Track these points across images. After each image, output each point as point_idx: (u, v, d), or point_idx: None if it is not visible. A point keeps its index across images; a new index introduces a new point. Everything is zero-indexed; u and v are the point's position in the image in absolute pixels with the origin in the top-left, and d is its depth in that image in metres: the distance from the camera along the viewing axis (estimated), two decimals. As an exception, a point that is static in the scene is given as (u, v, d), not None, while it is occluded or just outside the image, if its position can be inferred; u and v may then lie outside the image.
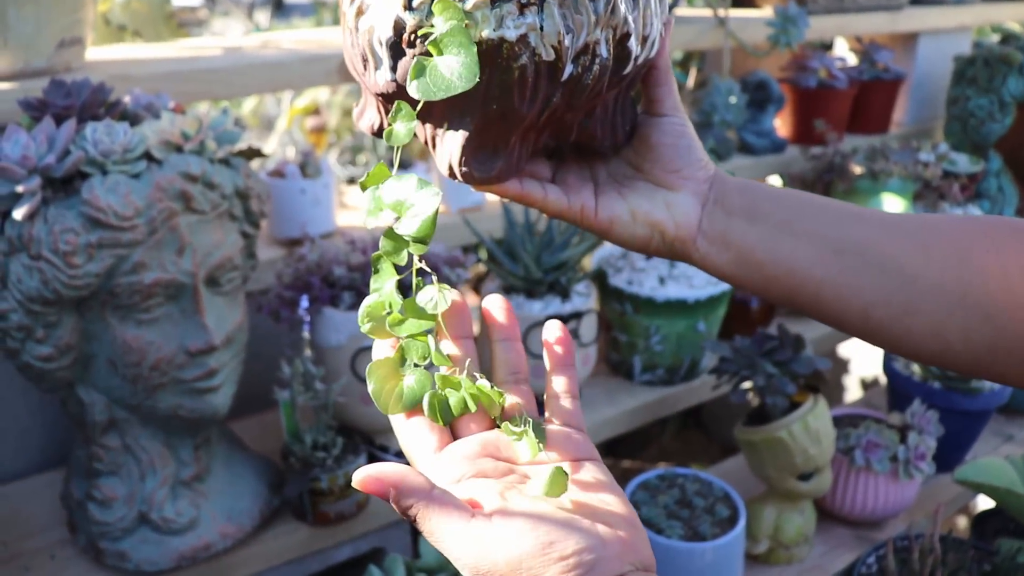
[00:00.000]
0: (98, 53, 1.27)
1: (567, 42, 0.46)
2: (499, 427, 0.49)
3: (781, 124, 1.88)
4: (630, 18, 0.48)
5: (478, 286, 2.04)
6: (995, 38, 2.66)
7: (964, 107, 1.85)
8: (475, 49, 0.44)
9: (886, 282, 0.53)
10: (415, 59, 0.45)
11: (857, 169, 1.61)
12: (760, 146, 1.72)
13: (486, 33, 0.44)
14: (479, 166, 0.50)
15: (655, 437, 2.21)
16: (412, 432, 0.48)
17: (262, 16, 4.45)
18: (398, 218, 0.47)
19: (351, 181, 2.19)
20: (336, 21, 3.40)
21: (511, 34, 0.45)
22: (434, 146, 0.52)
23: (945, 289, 0.52)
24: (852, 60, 2.06)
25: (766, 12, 1.76)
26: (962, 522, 1.97)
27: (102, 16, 1.51)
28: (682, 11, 1.75)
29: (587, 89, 0.49)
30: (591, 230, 0.59)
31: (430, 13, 0.45)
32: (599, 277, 1.36)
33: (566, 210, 0.58)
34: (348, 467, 1.06)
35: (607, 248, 1.44)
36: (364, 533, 1.13)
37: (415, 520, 0.43)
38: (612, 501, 0.45)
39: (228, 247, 0.95)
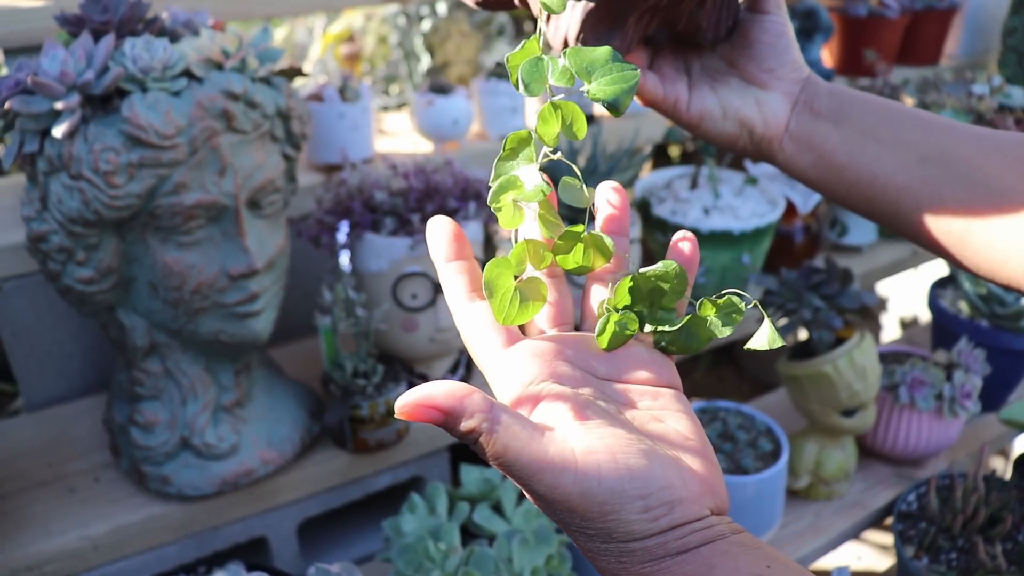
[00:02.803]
0: (132, -29, 1.23)
1: None
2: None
3: (827, 54, 1.82)
4: None
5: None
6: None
7: (1021, 38, 1.78)
8: None
9: (971, 194, 0.51)
10: None
11: (908, 101, 1.55)
12: (807, 76, 1.66)
13: None
14: (595, 40, 0.49)
15: (688, 372, 2.20)
16: (477, 322, 0.43)
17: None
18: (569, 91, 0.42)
19: (384, 110, 2.16)
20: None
21: None
22: (548, 19, 0.51)
23: None
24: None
25: (817, -65, 1.69)
26: (999, 464, 1.95)
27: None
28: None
29: None
30: (681, 123, 0.58)
31: None
32: (643, 207, 1.33)
33: (660, 100, 0.57)
34: (389, 395, 1.05)
35: (651, 178, 1.41)
36: (404, 461, 1.13)
37: (476, 443, 0.38)
38: (693, 437, 0.41)
39: (270, 169, 0.93)
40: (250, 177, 0.90)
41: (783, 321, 1.19)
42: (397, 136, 1.45)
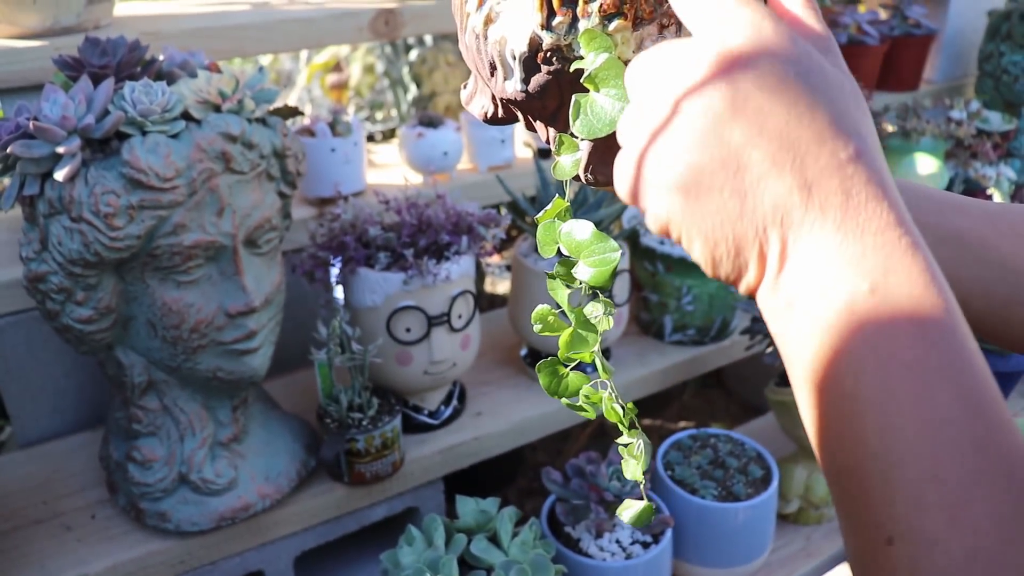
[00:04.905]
0: (125, 8, 1.25)
1: None
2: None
3: (810, 81, 1.86)
4: None
5: (503, 247, 2.03)
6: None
7: (997, 63, 1.82)
8: None
9: (986, 273, 0.52)
10: (573, 99, 0.44)
11: (889, 127, 1.59)
12: (790, 103, 1.69)
13: (626, 55, 0.44)
14: (603, 171, 0.50)
15: (676, 395, 2.21)
16: None
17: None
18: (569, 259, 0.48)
19: (370, 138, 2.17)
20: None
21: None
22: (555, 145, 0.52)
23: None
24: (882, 14, 2.02)
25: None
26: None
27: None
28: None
29: None
30: None
31: (568, 32, 0.44)
32: (631, 237, 1.35)
33: None
34: (384, 428, 1.06)
35: (638, 208, 1.42)
36: (399, 493, 1.14)
37: None
38: None
39: (266, 208, 0.94)
40: (247, 217, 0.92)
41: (770, 349, 1.21)
42: (387, 168, 1.47)
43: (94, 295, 0.88)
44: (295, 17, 1.17)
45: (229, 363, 0.95)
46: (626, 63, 0.43)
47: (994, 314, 0.53)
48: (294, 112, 0.98)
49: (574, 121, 0.44)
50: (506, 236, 1.22)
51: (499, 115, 0.53)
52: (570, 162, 0.47)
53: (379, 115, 2.29)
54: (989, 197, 1.65)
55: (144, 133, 0.85)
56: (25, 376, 1.17)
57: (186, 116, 0.88)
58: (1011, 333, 0.53)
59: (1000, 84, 1.82)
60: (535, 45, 0.45)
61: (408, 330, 1.08)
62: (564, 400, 0.51)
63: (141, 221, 0.84)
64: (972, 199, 0.56)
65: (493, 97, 0.53)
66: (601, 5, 0.43)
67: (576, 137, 0.47)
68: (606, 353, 1.33)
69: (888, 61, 1.87)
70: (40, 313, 0.92)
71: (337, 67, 2.12)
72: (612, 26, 0.43)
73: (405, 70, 1.75)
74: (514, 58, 0.46)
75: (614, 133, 0.45)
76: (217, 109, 0.90)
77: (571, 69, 0.45)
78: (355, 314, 1.09)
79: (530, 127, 0.54)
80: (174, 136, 0.86)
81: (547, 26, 0.44)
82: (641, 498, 0.53)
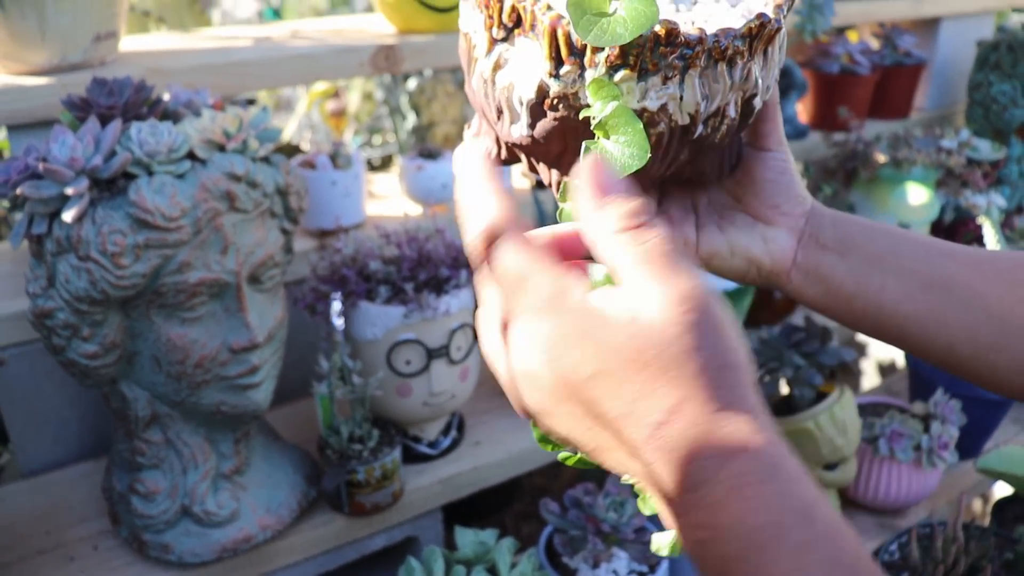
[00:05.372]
0: (130, 44, 1.27)
1: (703, 108, 0.47)
2: None
3: (802, 109, 1.88)
4: (760, 79, 0.49)
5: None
6: (1016, 18, 2.65)
7: (987, 92, 1.85)
8: (641, 125, 0.44)
9: (972, 319, 0.54)
10: (584, 145, 0.45)
11: (880, 158, 1.61)
12: (783, 133, 1.71)
13: (630, 105, 0.45)
14: None
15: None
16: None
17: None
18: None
19: (368, 162, 2.19)
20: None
21: (653, 104, 0.45)
22: (559, 191, 0.53)
23: None
24: (873, 44, 2.05)
25: (790, -3, 1.75)
26: (978, 504, 1.99)
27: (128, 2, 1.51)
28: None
29: (713, 145, 0.50)
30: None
31: (575, 81, 0.45)
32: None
33: None
34: (384, 459, 1.07)
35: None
36: (399, 523, 1.15)
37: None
38: None
39: (269, 245, 0.96)
40: (251, 254, 0.93)
41: (766, 379, 1.23)
42: (387, 199, 1.49)
43: (100, 331, 0.90)
44: (297, 53, 1.19)
45: (232, 397, 0.96)
46: (631, 112, 0.45)
47: (980, 358, 0.55)
48: (296, 150, 1.00)
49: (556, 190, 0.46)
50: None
51: (502, 157, 0.55)
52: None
53: (377, 139, 2.31)
54: (979, 226, 1.68)
55: (151, 173, 0.86)
56: (29, 406, 1.19)
57: (191, 156, 0.90)
58: (997, 377, 0.55)
59: (989, 113, 1.85)
60: (542, 92, 0.46)
61: (408, 362, 1.09)
62: (561, 455, 0.51)
63: (147, 260, 0.86)
64: (961, 245, 0.57)
65: (497, 139, 0.54)
66: (608, 56, 0.44)
67: None
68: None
69: (879, 90, 1.90)
70: (46, 347, 0.93)
71: (336, 94, 2.14)
72: (618, 76, 0.44)
73: (404, 99, 1.77)
74: (521, 104, 0.48)
75: None
76: (222, 148, 0.92)
77: (578, 116, 0.46)
78: (356, 346, 1.10)
79: (533, 170, 0.56)
80: (180, 176, 0.88)
81: (555, 74, 0.45)
82: (638, 530, 0.54)
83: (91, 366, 0.92)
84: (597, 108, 0.45)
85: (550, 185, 0.54)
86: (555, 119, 0.47)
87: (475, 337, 1.15)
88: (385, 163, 2.29)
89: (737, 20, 0.47)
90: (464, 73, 0.52)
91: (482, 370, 1.29)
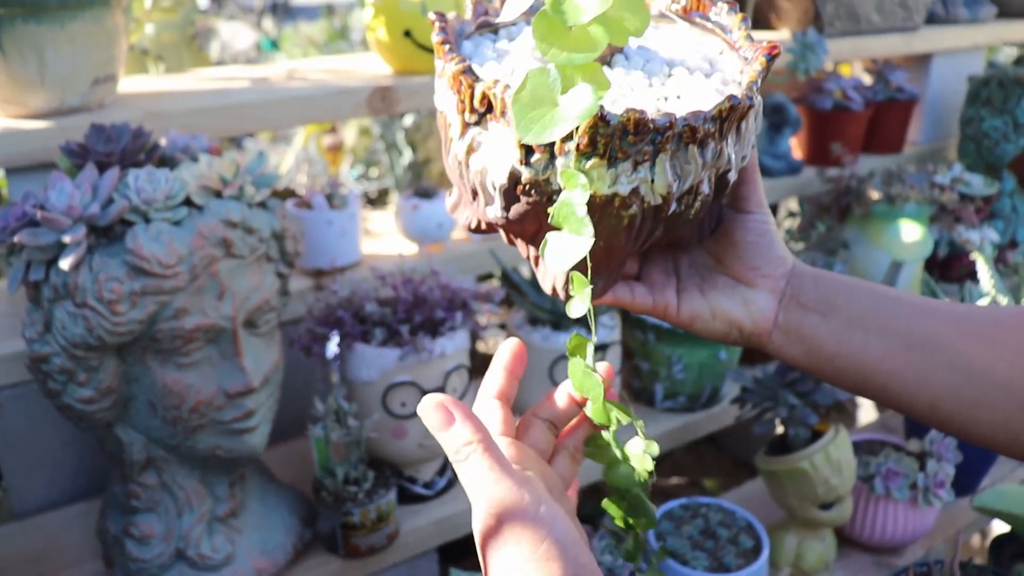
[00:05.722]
0: (129, 85, 1.28)
1: (675, 188, 0.47)
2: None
3: (796, 145, 1.90)
4: (733, 156, 0.49)
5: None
6: (1007, 52, 2.67)
7: (978, 128, 1.86)
8: (585, 221, 0.45)
9: (954, 377, 0.54)
10: (544, 239, 0.46)
11: (874, 194, 1.62)
12: (777, 168, 1.73)
13: (601, 191, 0.45)
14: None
15: (668, 452, 2.22)
16: (487, 408, 0.53)
17: (269, 22, 4.47)
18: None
19: (366, 197, 2.21)
20: (344, 32, 3.41)
21: (624, 189, 0.46)
22: (537, 264, 0.54)
23: (1014, 386, 0.52)
24: (866, 79, 2.07)
25: (783, 34, 1.77)
26: (976, 540, 1.99)
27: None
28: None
29: (688, 220, 0.51)
30: (672, 323, 0.61)
31: (546, 168, 0.46)
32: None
33: (650, 308, 0.60)
34: (379, 501, 1.07)
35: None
36: (394, 564, 1.15)
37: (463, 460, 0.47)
38: None
39: (265, 289, 0.96)
40: (247, 299, 0.94)
41: (764, 417, 1.23)
42: (382, 237, 1.50)
43: (95, 376, 0.90)
44: (294, 96, 1.20)
45: (228, 441, 0.96)
46: (598, 196, 0.46)
47: (963, 415, 0.55)
48: (291, 194, 1.00)
49: (542, 253, 0.46)
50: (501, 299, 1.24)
51: (483, 228, 0.55)
52: (582, 307, 0.48)
53: (374, 171, 2.33)
54: (973, 261, 1.69)
55: (148, 221, 0.87)
56: (23, 447, 1.18)
57: (188, 202, 0.90)
58: (981, 433, 0.55)
59: (981, 147, 1.86)
60: (514, 178, 0.47)
61: (403, 404, 1.09)
62: None
63: (143, 306, 0.87)
64: (942, 302, 0.58)
65: (475, 212, 0.55)
66: (577, 145, 0.44)
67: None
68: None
69: (873, 125, 1.91)
70: (42, 392, 0.93)
71: (333, 129, 2.16)
72: (588, 164, 0.45)
73: (400, 135, 1.79)
74: (494, 188, 0.48)
75: (593, 255, 0.47)
76: (218, 195, 0.92)
77: (551, 201, 0.47)
78: (351, 388, 1.11)
79: (511, 243, 0.56)
80: (176, 223, 0.88)
81: (526, 162, 0.46)
82: (633, 573, 0.54)
83: (87, 411, 0.92)
84: (564, 196, 0.45)
85: (528, 258, 0.55)
86: (528, 203, 0.48)
87: (470, 377, 1.15)
88: (382, 196, 2.30)
89: (710, 95, 0.48)
90: (442, 146, 0.53)
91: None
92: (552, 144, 0.45)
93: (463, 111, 0.48)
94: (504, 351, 0.55)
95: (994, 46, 2.42)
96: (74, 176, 0.91)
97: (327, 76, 1.33)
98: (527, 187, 0.47)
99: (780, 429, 1.33)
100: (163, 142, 0.99)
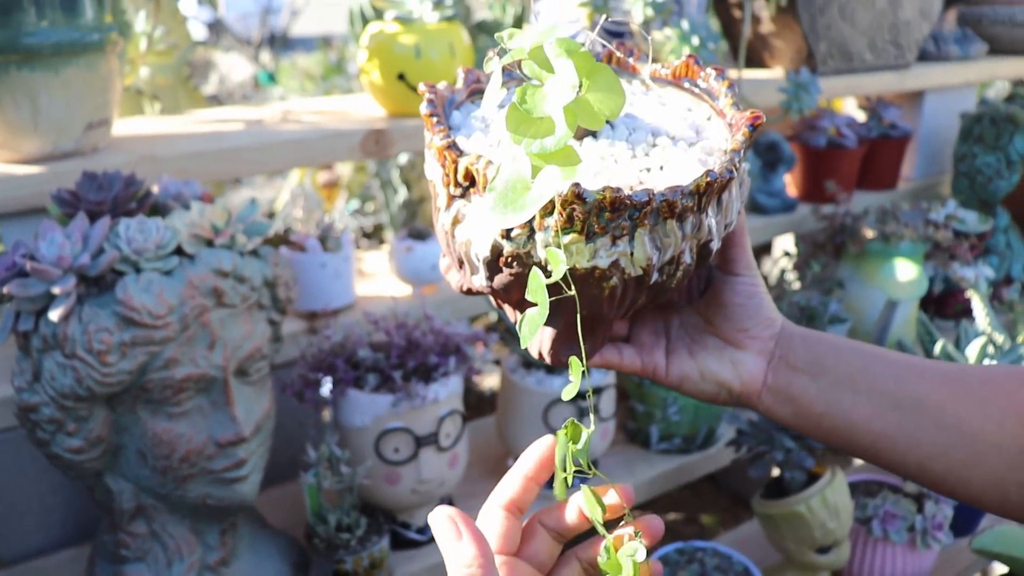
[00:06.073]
0: (123, 128, 1.28)
1: (655, 260, 0.47)
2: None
3: (791, 182, 1.90)
4: (714, 226, 0.50)
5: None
6: (999, 87, 2.69)
7: (971, 164, 1.87)
8: (544, 302, 0.45)
9: (944, 437, 0.54)
10: (524, 315, 0.46)
11: (869, 232, 1.62)
12: (771, 206, 1.73)
13: (581, 264, 0.46)
14: (567, 353, 0.52)
15: (666, 491, 2.21)
16: (491, 519, 0.50)
17: (266, 55, 4.49)
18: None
19: (361, 231, 2.20)
20: (341, 66, 3.43)
21: (603, 262, 0.46)
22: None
23: (1004, 446, 0.52)
24: (859, 115, 2.08)
25: (776, 73, 1.78)
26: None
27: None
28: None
29: (671, 289, 0.51)
30: (661, 384, 0.61)
31: (527, 242, 0.46)
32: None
33: (639, 370, 0.60)
34: (372, 548, 1.06)
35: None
36: (386, 612, 1.13)
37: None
38: None
39: (257, 337, 0.96)
40: (238, 348, 0.93)
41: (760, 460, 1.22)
42: (376, 278, 1.49)
43: (85, 426, 0.89)
44: (288, 139, 1.20)
45: (218, 490, 0.95)
46: (578, 269, 0.46)
47: (954, 475, 0.55)
48: (283, 240, 1.00)
49: (518, 327, 0.47)
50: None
51: (473, 291, 0.56)
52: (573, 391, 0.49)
53: (370, 206, 2.33)
54: (968, 299, 1.68)
55: (138, 271, 0.87)
56: (11, 492, 1.17)
57: (179, 251, 0.90)
58: (971, 493, 0.55)
59: (975, 184, 1.87)
60: (496, 251, 0.48)
61: (396, 450, 1.09)
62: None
63: (133, 357, 0.86)
64: (931, 362, 0.58)
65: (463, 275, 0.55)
66: (556, 221, 0.45)
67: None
68: (594, 463, 1.34)
69: (866, 162, 1.92)
70: (31, 440, 0.92)
71: (328, 166, 2.16)
72: (566, 240, 0.46)
73: (395, 173, 1.79)
74: (478, 259, 0.49)
75: (577, 323, 0.47)
76: (210, 243, 0.92)
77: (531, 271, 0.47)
78: (343, 434, 1.10)
79: (499, 307, 0.57)
80: (167, 273, 0.88)
81: (507, 236, 0.47)
82: None
83: (76, 460, 0.91)
84: (535, 273, 0.46)
85: (515, 323, 0.55)
86: (511, 275, 0.49)
87: (463, 423, 1.15)
88: (377, 230, 2.30)
89: (693, 166, 0.48)
90: (432, 211, 0.54)
91: (471, 451, 1.28)
92: (532, 220, 0.45)
93: (448, 184, 0.49)
94: (531, 455, 0.51)
95: (985, 82, 2.44)
96: (65, 224, 0.91)
97: (321, 118, 1.34)
98: (509, 260, 0.48)
99: (776, 471, 1.33)
100: (155, 189, 0.98)
